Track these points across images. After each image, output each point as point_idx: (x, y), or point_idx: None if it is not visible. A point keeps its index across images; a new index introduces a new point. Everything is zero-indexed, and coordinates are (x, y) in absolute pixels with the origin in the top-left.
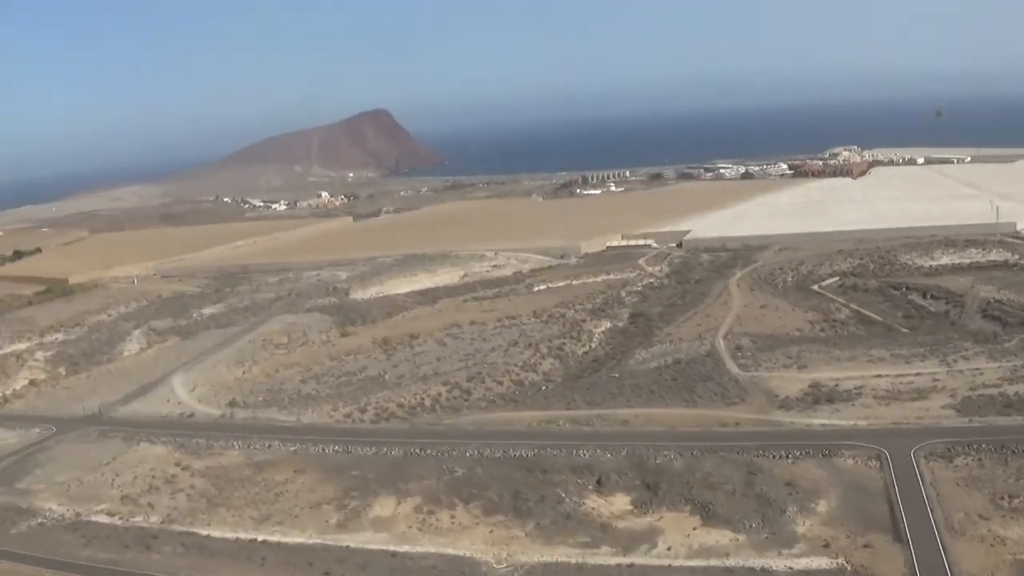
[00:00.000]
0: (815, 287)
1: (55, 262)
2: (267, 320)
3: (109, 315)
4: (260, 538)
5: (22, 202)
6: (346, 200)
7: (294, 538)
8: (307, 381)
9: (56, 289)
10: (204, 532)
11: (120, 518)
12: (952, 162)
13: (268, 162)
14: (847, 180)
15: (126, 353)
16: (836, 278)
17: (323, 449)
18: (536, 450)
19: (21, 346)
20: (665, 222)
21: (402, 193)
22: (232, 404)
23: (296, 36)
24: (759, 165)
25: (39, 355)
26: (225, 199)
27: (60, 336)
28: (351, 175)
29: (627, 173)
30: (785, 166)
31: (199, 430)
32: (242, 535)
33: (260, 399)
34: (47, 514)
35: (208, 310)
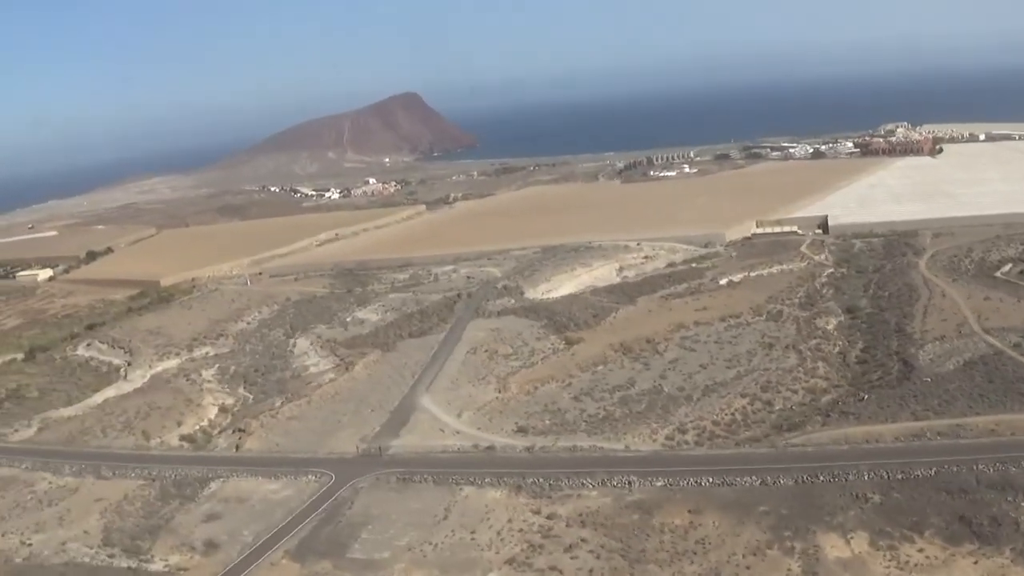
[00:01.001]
0: (998, 274)
1: (135, 263)
2: (465, 327)
3: (248, 323)
4: None
5: (43, 197)
6: (399, 187)
7: None
8: (580, 398)
9: (150, 293)
10: None
11: None
12: (1014, 138)
13: (300, 148)
14: (926, 159)
15: (312, 369)
16: (1010, 264)
17: (695, 482)
18: (934, 468)
19: (171, 363)
20: (785, 206)
21: (454, 178)
22: (521, 430)
23: (295, 21)
24: (825, 144)
25: (205, 374)
26: (272, 188)
27: (209, 350)
28: (387, 160)
29: (691, 153)
30: (851, 144)
31: (514, 467)
32: None
33: (547, 422)
34: None
35: (363, 314)
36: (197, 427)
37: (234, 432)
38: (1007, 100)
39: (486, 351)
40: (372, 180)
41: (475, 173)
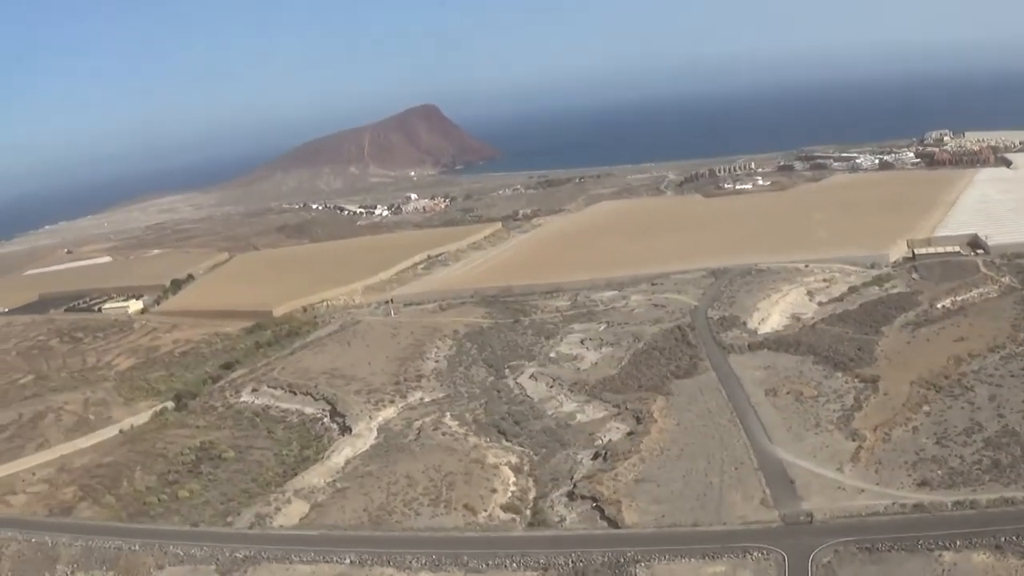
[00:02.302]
0: None
1: (226, 291)
2: (727, 365)
3: (437, 361)
4: None
5: (49, 218)
6: (447, 202)
7: None
8: (943, 443)
9: (267, 324)
10: None
11: None
12: None
13: (320, 164)
14: (1005, 171)
15: (581, 417)
16: None
17: None
18: None
19: (388, 412)
20: (910, 222)
21: (501, 192)
22: (924, 483)
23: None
24: (885, 153)
25: (450, 425)
26: (313, 205)
27: (421, 395)
28: (412, 173)
29: (752, 164)
30: (912, 154)
31: (964, 526)
32: None
33: (939, 473)
34: None
35: (567, 349)
36: (509, 494)
37: (571, 497)
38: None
39: (788, 392)
40: (414, 196)
41: (519, 186)
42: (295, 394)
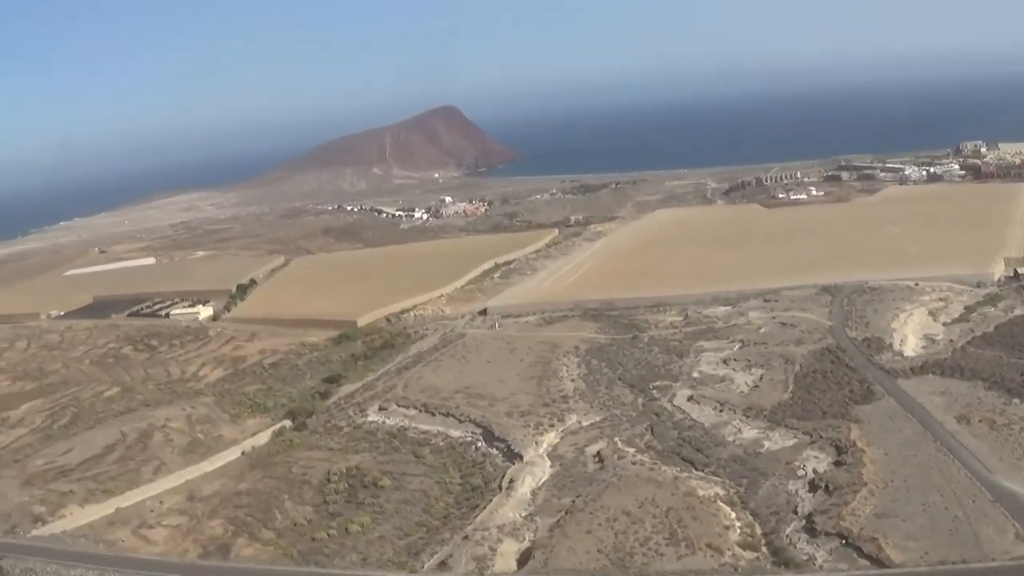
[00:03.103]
0: None
1: (294, 297)
2: (898, 391)
3: (572, 380)
4: None
5: (64, 214)
6: (486, 206)
7: None
8: None
9: (354, 335)
10: None
11: None
12: None
13: (341, 164)
14: None
15: (770, 446)
16: None
17: None
18: None
19: (550, 437)
20: (995, 239)
21: (538, 197)
22: None
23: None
24: (932, 166)
25: (630, 452)
26: (348, 207)
27: (577, 418)
28: (437, 175)
29: (799, 174)
30: (957, 167)
31: None
32: None
33: None
34: None
35: (709, 369)
36: (739, 530)
37: (811, 534)
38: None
39: (980, 421)
40: (448, 199)
41: (555, 191)
42: (433, 415)
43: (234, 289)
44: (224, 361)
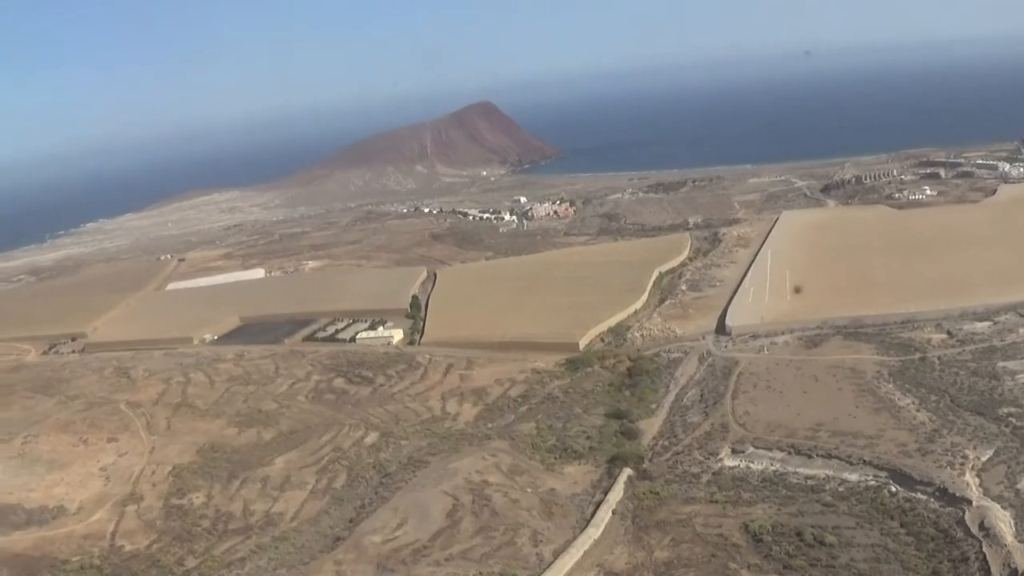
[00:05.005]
0: None
1: (466, 313)
2: None
3: (918, 411)
4: None
5: (87, 215)
6: (574, 208)
7: None
8: None
9: (587, 359)
10: None
11: None
12: None
13: (383, 162)
14: None
15: None
16: None
17: None
18: None
19: (968, 478)
20: None
21: (615, 196)
22: None
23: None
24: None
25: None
26: (425, 209)
27: (975, 453)
28: (485, 172)
29: (894, 172)
30: None
31: None
32: None
33: None
34: None
35: None
36: None
37: None
38: None
39: None
40: (523, 199)
41: (630, 190)
42: (809, 456)
43: (408, 308)
44: (464, 394)
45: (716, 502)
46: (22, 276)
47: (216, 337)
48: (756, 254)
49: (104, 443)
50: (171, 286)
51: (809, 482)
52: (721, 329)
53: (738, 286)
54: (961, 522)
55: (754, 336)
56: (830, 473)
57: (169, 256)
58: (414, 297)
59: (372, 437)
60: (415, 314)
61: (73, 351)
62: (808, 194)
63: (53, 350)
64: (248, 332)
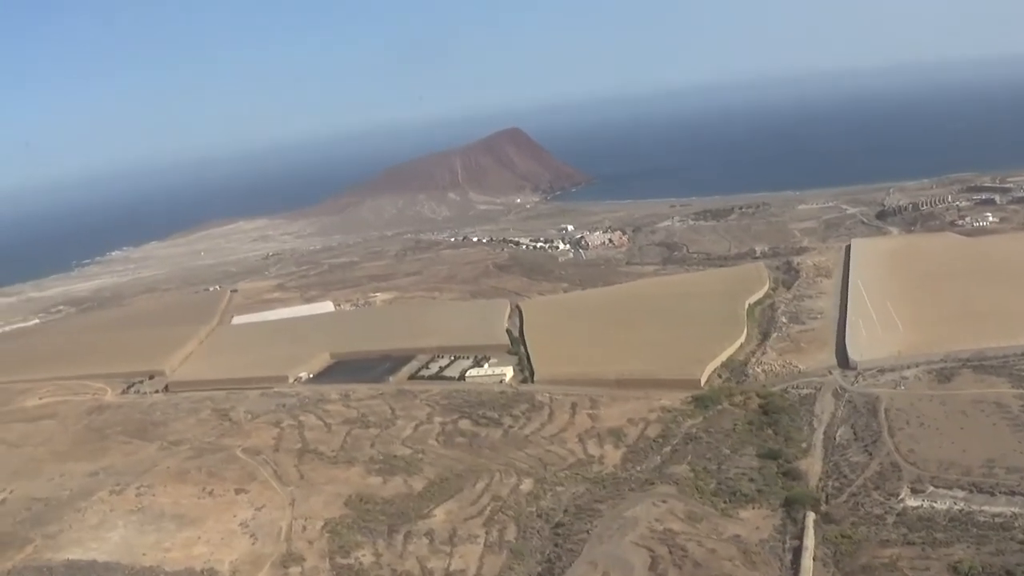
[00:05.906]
0: None
1: (575, 350)
2: None
3: None
4: None
5: (108, 244)
6: (626, 236)
7: None
8: None
9: (716, 397)
10: None
11: None
12: None
13: (414, 190)
14: None
15: None
16: None
17: None
18: None
19: None
20: None
21: (664, 224)
22: None
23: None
24: None
25: None
26: (475, 238)
27: None
28: (519, 200)
29: (949, 198)
30: None
31: None
32: None
33: None
34: None
35: None
36: None
37: None
38: None
39: None
40: (570, 227)
41: (675, 218)
42: (993, 494)
43: (510, 343)
44: (601, 435)
45: (913, 544)
46: (61, 307)
47: (311, 375)
48: (844, 284)
49: (232, 495)
50: (237, 320)
51: (997, 520)
52: (844, 363)
53: (843, 318)
54: None
55: (880, 371)
56: (1016, 511)
57: (218, 287)
58: (508, 331)
59: (527, 484)
60: (516, 350)
61: (156, 391)
62: (865, 221)
63: (132, 389)
64: (344, 370)
